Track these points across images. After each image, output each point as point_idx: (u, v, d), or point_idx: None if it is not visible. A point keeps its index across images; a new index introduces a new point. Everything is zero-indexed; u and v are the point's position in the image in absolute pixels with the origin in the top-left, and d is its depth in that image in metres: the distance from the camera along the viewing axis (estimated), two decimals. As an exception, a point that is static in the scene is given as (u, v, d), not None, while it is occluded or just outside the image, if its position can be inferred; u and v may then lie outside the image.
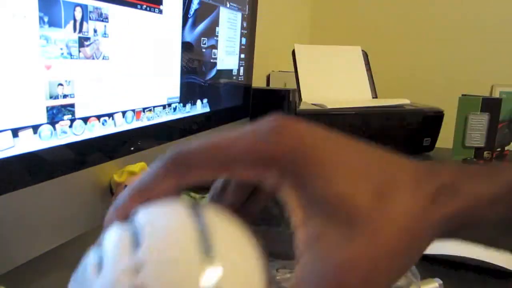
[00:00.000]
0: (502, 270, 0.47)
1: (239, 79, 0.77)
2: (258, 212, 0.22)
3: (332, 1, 1.91)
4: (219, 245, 0.17)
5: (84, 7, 0.38)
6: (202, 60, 0.62)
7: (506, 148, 1.19)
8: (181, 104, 0.58)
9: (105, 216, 0.20)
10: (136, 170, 0.44)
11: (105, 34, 0.41)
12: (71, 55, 0.38)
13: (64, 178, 0.39)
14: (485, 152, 1.04)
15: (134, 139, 0.48)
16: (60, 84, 0.37)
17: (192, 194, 0.72)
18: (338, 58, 1.27)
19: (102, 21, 0.41)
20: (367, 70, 1.28)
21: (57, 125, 0.37)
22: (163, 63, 0.53)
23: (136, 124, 0.48)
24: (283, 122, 0.18)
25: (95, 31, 0.40)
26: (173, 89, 0.56)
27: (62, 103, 0.38)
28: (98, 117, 0.42)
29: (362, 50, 1.30)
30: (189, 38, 0.57)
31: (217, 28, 0.65)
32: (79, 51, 0.38)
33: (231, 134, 0.18)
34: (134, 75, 0.47)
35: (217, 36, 0.66)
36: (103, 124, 0.43)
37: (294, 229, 0.17)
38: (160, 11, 0.50)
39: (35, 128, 0.35)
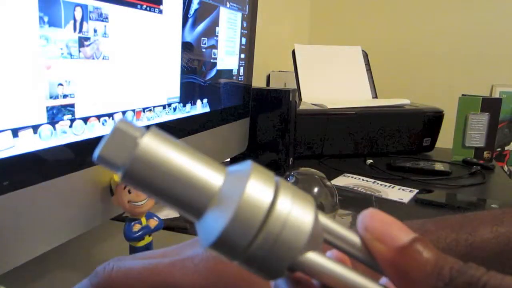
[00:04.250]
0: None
1: (239, 79, 0.77)
2: None
3: (332, 1, 1.91)
4: None
5: (84, 7, 0.38)
6: (202, 60, 0.62)
7: (506, 148, 1.19)
8: (181, 104, 0.58)
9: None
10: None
11: (105, 34, 0.41)
12: (71, 55, 0.38)
13: (64, 178, 0.39)
14: (485, 152, 1.04)
15: (134, 139, 0.48)
16: (60, 84, 0.37)
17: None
18: (338, 58, 1.27)
19: (102, 21, 0.41)
20: (367, 70, 1.28)
21: (57, 125, 0.37)
22: (163, 63, 0.53)
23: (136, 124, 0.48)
24: None
25: (95, 31, 0.40)
26: (173, 89, 0.56)
27: (62, 103, 0.38)
28: (98, 117, 0.42)
29: (362, 50, 1.30)
30: (189, 38, 0.57)
31: (217, 28, 0.65)
32: (79, 51, 0.38)
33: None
34: (134, 75, 0.47)
35: (217, 36, 0.66)
36: (103, 124, 0.43)
37: None
38: (160, 11, 0.50)
39: (35, 128, 0.35)
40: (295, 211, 0.15)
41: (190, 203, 0.15)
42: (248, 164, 0.15)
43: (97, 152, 0.14)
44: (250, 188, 0.14)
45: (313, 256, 0.15)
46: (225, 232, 0.14)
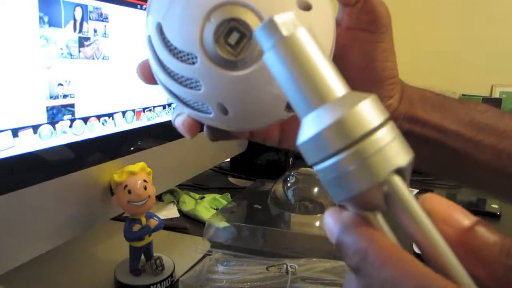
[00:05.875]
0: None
1: (239, 79, 0.77)
2: None
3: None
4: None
5: (84, 7, 0.38)
6: (202, 60, 0.62)
7: (506, 148, 1.18)
8: (181, 104, 0.58)
9: None
10: (136, 170, 0.44)
11: (105, 34, 0.41)
12: (71, 55, 0.38)
13: (64, 178, 0.39)
14: (485, 152, 1.04)
15: (134, 139, 0.48)
16: (60, 84, 0.37)
17: (192, 194, 0.72)
18: (338, 58, 1.26)
19: (102, 21, 0.41)
20: (367, 70, 1.28)
21: (57, 125, 0.37)
22: (163, 63, 0.53)
23: (136, 124, 0.48)
24: None
25: (95, 31, 0.40)
26: (173, 89, 0.56)
27: (62, 103, 0.38)
28: (98, 117, 0.42)
29: (362, 50, 1.30)
30: (189, 38, 0.57)
31: (217, 28, 0.65)
32: (79, 51, 0.38)
33: None
34: (134, 75, 0.47)
35: (217, 36, 0.66)
36: (103, 124, 0.43)
37: None
38: (160, 11, 0.50)
39: (35, 128, 0.35)
40: (394, 146, 0.15)
41: (306, 96, 0.16)
42: (371, 94, 0.16)
43: (269, 17, 0.16)
44: (362, 106, 0.15)
45: (399, 184, 0.15)
46: (321, 133, 0.15)
